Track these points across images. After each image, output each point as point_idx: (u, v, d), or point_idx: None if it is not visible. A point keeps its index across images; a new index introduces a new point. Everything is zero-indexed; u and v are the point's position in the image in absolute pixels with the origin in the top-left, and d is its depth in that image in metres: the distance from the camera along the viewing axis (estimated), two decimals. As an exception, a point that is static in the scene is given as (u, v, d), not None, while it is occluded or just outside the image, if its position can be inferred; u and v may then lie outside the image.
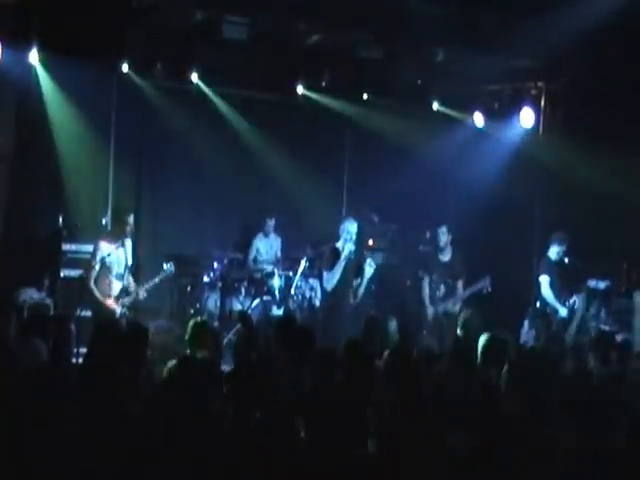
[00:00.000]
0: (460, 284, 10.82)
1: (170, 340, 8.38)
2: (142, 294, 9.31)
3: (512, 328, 10.04)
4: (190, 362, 6.08)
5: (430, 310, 10.78)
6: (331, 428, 5.31)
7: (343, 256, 9.94)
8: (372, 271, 10.09)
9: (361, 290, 10.16)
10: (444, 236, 10.82)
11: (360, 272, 10.08)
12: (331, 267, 9.99)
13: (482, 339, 7.32)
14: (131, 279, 9.37)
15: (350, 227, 10.07)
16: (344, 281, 9.97)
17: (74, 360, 7.46)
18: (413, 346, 7.94)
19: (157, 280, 9.44)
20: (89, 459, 4.77)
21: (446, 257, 10.91)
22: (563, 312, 10.29)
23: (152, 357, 6.74)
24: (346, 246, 9.96)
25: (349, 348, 7.06)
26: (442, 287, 10.80)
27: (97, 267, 9.14)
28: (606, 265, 10.76)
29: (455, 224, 11.12)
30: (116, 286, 9.25)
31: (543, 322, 10.35)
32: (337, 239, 10.21)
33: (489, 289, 10.64)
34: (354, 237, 10.04)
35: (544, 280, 10.48)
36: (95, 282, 9.15)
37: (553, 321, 10.31)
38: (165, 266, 9.51)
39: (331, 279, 9.95)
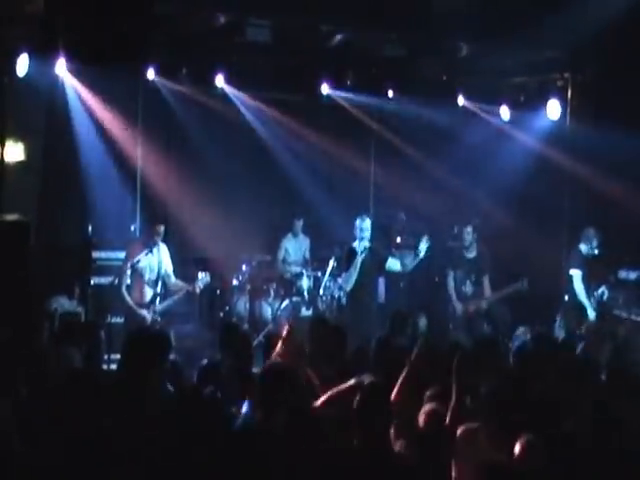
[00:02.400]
0: (486, 280, 10.76)
1: (197, 344, 8.47)
2: (199, 287, 9.35)
3: (543, 322, 10.02)
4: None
5: (459, 306, 10.73)
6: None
7: (358, 254, 9.82)
8: (425, 248, 9.98)
9: (412, 265, 10.15)
10: (469, 235, 10.82)
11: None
12: (347, 268, 9.91)
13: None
14: (177, 281, 9.40)
15: (362, 224, 9.89)
16: (363, 279, 9.84)
17: (105, 366, 7.56)
18: (442, 342, 7.87)
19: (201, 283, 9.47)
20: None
21: (471, 254, 10.88)
22: (592, 314, 10.23)
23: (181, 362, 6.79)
24: (361, 244, 9.84)
25: (379, 346, 7.10)
26: (467, 283, 10.78)
27: (128, 273, 9.20)
28: (637, 255, 10.64)
29: (483, 218, 11.08)
30: (148, 292, 9.30)
31: (575, 315, 10.28)
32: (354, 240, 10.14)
33: (525, 290, 10.56)
34: (367, 234, 9.86)
35: (576, 274, 10.40)
36: (127, 289, 9.22)
37: (584, 314, 10.25)
38: (200, 275, 9.49)
39: (348, 279, 9.85)
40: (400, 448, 5.19)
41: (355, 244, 9.93)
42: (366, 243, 9.80)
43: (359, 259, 9.77)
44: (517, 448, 4.82)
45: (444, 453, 5.06)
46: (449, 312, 10.83)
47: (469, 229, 10.83)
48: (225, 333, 7.22)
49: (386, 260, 10.04)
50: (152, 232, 9.31)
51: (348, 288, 9.91)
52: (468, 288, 10.80)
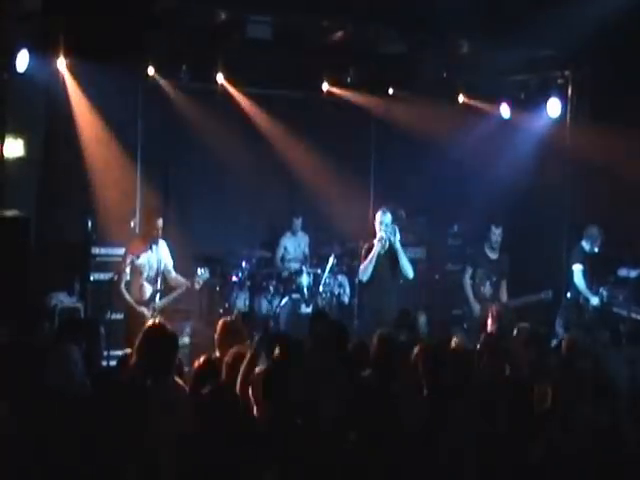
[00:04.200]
0: (504, 285, 10.65)
1: (197, 341, 8.43)
2: (198, 283, 9.29)
3: (544, 320, 10.02)
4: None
5: (476, 307, 10.51)
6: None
7: (375, 245, 9.64)
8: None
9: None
10: (498, 237, 10.62)
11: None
12: (365, 259, 9.71)
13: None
14: (177, 276, 9.35)
15: (382, 218, 9.73)
16: (379, 273, 9.63)
17: (104, 363, 7.54)
18: (442, 340, 7.84)
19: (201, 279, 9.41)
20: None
21: (494, 255, 10.73)
22: (595, 301, 10.23)
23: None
24: (379, 235, 9.64)
25: (381, 342, 7.09)
26: (487, 284, 10.62)
27: (127, 270, 9.17)
28: (637, 254, 10.64)
29: (483, 216, 11.07)
30: (147, 289, 9.26)
31: (574, 312, 10.29)
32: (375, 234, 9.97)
33: (549, 300, 10.46)
34: (388, 228, 9.65)
35: (577, 269, 10.42)
36: (127, 285, 9.18)
37: (585, 311, 10.25)
38: (199, 271, 9.39)
39: (366, 269, 9.66)
40: None
41: (375, 239, 9.69)
42: (383, 234, 9.59)
43: (376, 250, 9.64)
44: None
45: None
46: (465, 312, 10.63)
47: (499, 230, 10.64)
48: (223, 330, 7.18)
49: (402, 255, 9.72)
50: (150, 227, 9.22)
51: (365, 279, 9.66)
52: (487, 289, 10.61)
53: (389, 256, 9.69)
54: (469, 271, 10.72)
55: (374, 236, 9.74)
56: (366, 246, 9.85)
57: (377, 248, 9.60)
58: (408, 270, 9.70)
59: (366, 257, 9.72)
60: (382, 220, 9.71)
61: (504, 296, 10.62)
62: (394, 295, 9.69)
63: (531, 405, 5.99)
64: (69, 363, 6.17)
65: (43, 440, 5.02)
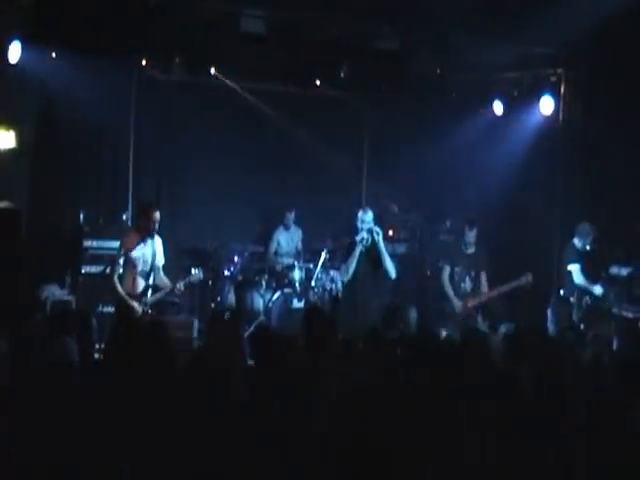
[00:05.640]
0: (483, 277, 10.65)
1: (189, 334, 8.43)
2: (179, 288, 9.24)
3: (534, 317, 10.04)
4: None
5: (458, 304, 10.42)
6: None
7: (357, 245, 9.59)
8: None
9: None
10: (472, 238, 10.51)
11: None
12: (346, 259, 9.76)
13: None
14: (163, 276, 9.31)
15: (363, 216, 9.65)
16: (361, 272, 9.61)
17: (97, 356, 7.53)
18: (430, 335, 7.83)
19: (188, 280, 9.33)
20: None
21: (471, 250, 10.64)
22: (598, 290, 10.18)
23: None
24: (360, 234, 9.57)
25: (370, 337, 7.10)
26: (467, 279, 10.62)
27: (121, 262, 9.09)
28: (630, 251, 10.66)
29: (475, 213, 11.08)
30: (140, 284, 9.18)
31: (565, 310, 10.30)
32: (356, 232, 10.02)
33: (530, 284, 10.47)
34: (368, 226, 9.60)
35: (575, 268, 10.35)
36: (120, 278, 9.12)
37: (573, 310, 10.27)
38: (194, 271, 9.27)
39: (346, 270, 9.65)
40: None
41: (357, 237, 9.62)
42: (364, 234, 9.55)
43: (357, 250, 9.67)
44: None
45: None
46: (447, 309, 10.59)
47: (472, 232, 10.50)
48: (211, 321, 7.19)
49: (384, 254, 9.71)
50: (148, 220, 8.99)
51: (345, 279, 9.71)
52: (467, 284, 10.54)
53: (371, 255, 9.64)
54: (447, 269, 10.66)
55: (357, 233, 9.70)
56: (346, 244, 9.86)
57: (359, 248, 9.62)
58: (391, 271, 9.68)
59: (346, 254, 9.72)
60: (363, 219, 9.65)
61: (485, 288, 10.60)
62: (376, 294, 9.66)
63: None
64: (68, 355, 6.18)
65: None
